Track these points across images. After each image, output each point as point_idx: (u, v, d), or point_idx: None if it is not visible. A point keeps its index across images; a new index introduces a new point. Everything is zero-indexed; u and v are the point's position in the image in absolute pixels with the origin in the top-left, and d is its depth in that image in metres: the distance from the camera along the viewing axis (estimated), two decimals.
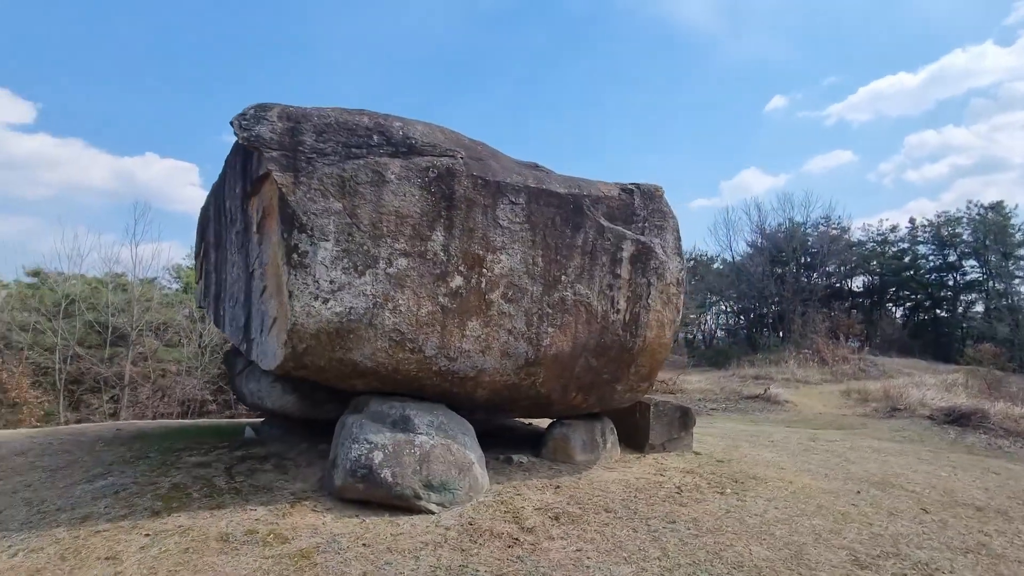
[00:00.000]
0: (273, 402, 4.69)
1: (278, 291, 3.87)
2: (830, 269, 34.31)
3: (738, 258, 35.56)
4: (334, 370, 4.00)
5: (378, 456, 3.81)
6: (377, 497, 3.77)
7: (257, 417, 6.79)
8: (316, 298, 3.70)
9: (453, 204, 4.04)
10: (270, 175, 3.76)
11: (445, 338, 4.06)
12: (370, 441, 3.88)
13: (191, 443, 5.10)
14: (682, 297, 4.96)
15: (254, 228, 4.28)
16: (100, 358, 17.97)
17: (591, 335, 4.55)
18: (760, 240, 34.79)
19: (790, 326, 31.05)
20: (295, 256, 3.68)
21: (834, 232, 33.37)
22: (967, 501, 4.80)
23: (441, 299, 4.02)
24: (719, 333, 40.52)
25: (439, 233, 3.99)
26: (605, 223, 4.55)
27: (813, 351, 25.12)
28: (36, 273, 20.74)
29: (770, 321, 35.06)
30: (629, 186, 4.81)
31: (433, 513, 3.79)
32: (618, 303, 4.62)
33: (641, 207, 4.76)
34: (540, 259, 4.31)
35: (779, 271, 33.94)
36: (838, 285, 35.37)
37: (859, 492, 4.78)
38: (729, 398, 21.49)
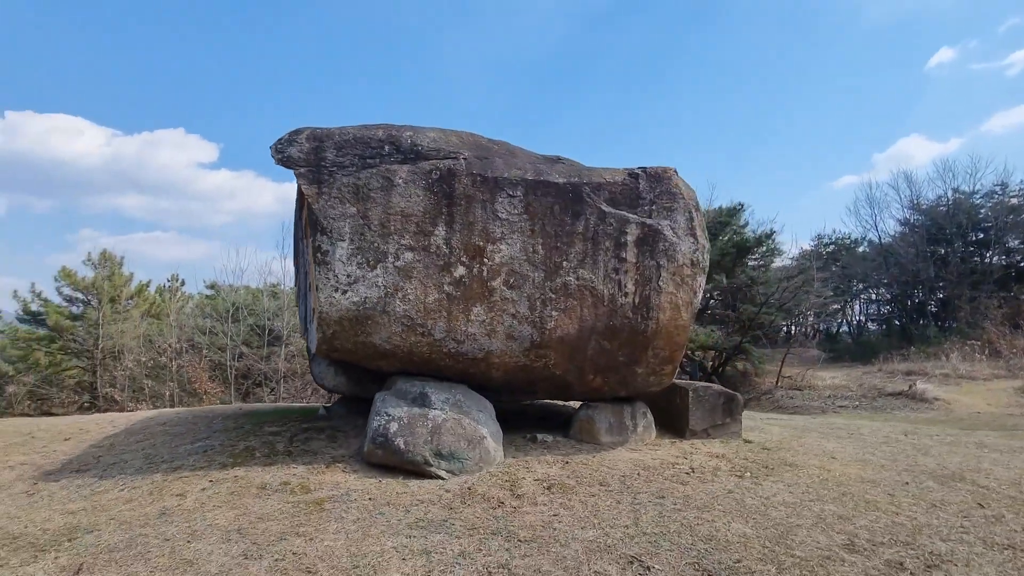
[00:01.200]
0: (329, 382, 5.47)
1: (314, 286, 4.59)
2: (1011, 245, 28.93)
3: (886, 239, 31.46)
4: (360, 352, 4.63)
5: (393, 426, 4.36)
6: (392, 462, 4.31)
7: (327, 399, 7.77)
8: (336, 290, 4.34)
9: (453, 201, 4.47)
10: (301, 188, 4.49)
11: (451, 323, 4.49)
12: (389, 414, 4.45)
13: (279, 419, 6.09)
14: (700, 278, 4.87)
15: (304, 234, 5.08)
16: (260, 356, 21.14)
17: (599, 318, 4.69)
18: (914, 216, 30.48)
19: (955, 314, 26.87)
20: (319, 255, 4.36)
21: (1014, 201, 28.12)
22: None
23: (446, 287, 4.47)
24: (870, 325, 36.16)
25: (441, 228, 4.44)
26: (607, 208, 4.66)
27: (983, 342, 21.69)
28: (212, 286, 24.92)
29: (932, 309, 30.55)
30: (636, 170, 4.86)
31: (443, 479, 4.25)
32: (626, 286, 4.70)
33: (647, 190, 4.78)
34: (540, 247, 4.57)
35: (941, 251, 29.47)
36: (1023, 264, 29.72)
37: (907, 483, 4.34)
38: (866, 395, 19.51)
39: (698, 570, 2.97)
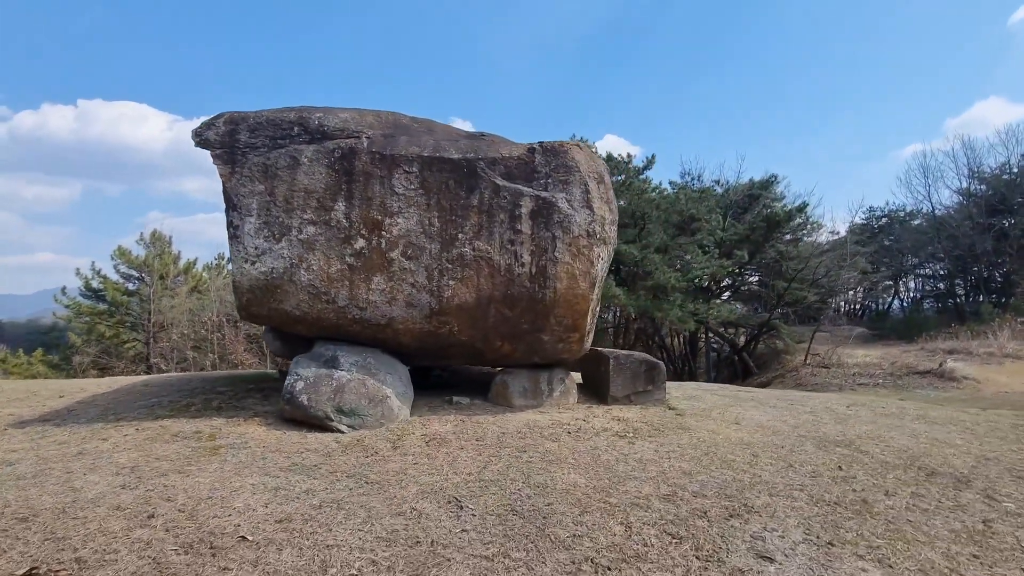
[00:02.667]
0: (269, 346, 5.99)
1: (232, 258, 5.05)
2: None
3: (940, 211, 29.45)
4: (276, 318, 5.07)
5: (300, 384, 4.79)
6: (298, 416, 4.76)
7: None
8: (246, 261, 4.78)
9: (353, 178, 4.79)
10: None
11: (354, 291, 4.85)
12: (298, 373, 4.88)
13: (239, 382, 6.68)
14: (597, 249, 5.00)
15: None
16: None
17: (496, 287, 4.93)
18: (972, 185, 28.38)
19: (1013, 290, 25.08)
20: (231, 229, 4.80)
21: None
22: (931, 467, 4.09)
23: (347, 259, 4.82)
24: (924, 302, 34.10)
25: (341, 203, 4.78)
26: (501, 182, 4.86)
27: None
28: None
29: (995, 285, 28.56)
30: (534, 145, 5.01)
31: (342, 432, 4.66)
32: (522, 257, 4.90)
33: (543, 164, 4.93)
34: (436, 220, 4.83)
35: (1004, 223, 27.38)
36: None
37: (783, 447, 4.40)
38: (893, 373, 18.92)
39: (507, 510, 3.23)
